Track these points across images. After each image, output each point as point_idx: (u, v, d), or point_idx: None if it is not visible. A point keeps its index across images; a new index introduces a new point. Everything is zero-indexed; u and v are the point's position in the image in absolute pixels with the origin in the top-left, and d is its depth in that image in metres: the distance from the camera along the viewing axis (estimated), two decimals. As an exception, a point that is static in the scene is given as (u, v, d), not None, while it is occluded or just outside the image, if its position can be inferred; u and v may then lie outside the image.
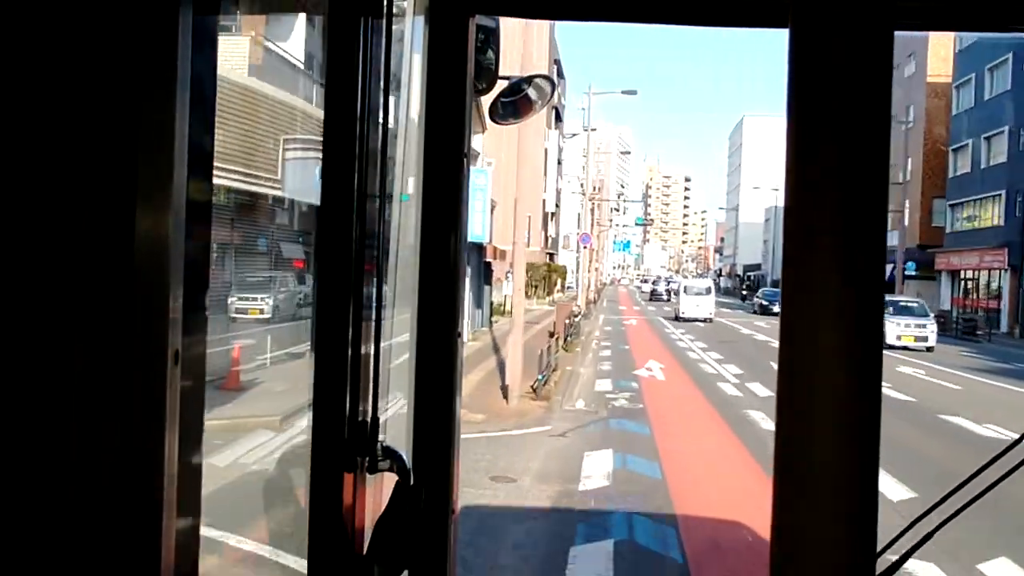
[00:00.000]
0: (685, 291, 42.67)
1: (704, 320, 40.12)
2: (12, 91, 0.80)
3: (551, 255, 70.64)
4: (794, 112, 0.84)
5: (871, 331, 0.82)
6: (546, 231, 66.76)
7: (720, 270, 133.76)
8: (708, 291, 42.40)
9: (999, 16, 1.53)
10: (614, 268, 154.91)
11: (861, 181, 0.81)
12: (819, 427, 0.83)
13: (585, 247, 47.26)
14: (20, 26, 0.80)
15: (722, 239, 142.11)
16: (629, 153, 59.73)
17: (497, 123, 2.49)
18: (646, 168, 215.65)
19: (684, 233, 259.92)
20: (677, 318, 41.45)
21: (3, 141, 0.81)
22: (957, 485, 1.22)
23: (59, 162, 0.81)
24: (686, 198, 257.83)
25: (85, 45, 0.81)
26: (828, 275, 0.82)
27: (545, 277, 58.94)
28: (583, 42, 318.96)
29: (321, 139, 1.38)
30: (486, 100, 2.19)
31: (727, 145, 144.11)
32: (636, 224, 56.97)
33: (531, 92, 2.43)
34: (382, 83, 1.38)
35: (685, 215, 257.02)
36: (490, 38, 1.79)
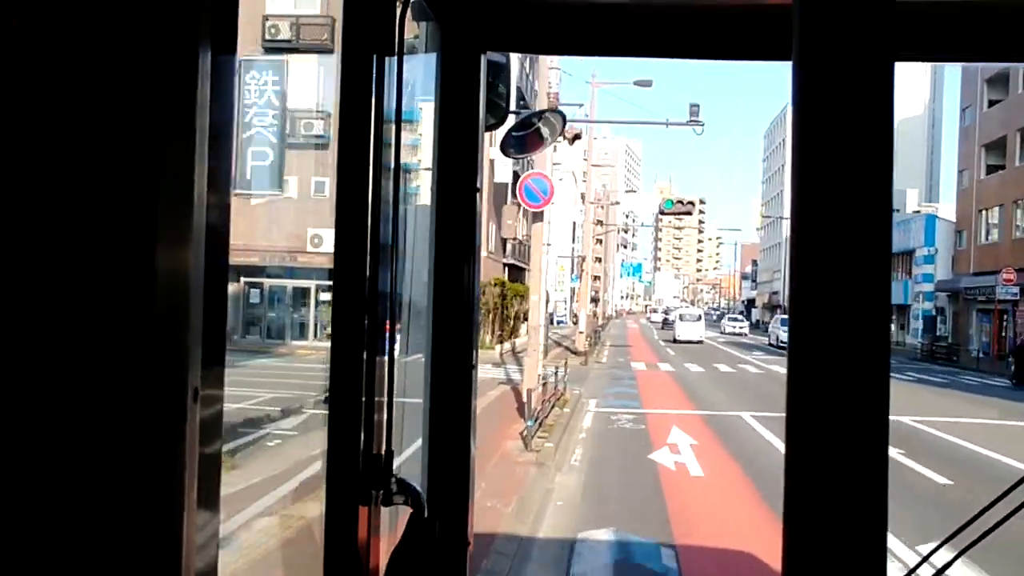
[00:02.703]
0: (681, 319, 54.26)
1: (696, 341, 49.15)
2: (32, 131, 0.82)
3: (515, 269, 44.05)
4: (799, 143, 0.86)
5: (879, 355, 0.85)
6: (500, 226, 40.69)
7: (752, 300, 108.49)
8: (699, 318, 54.45)
9: (996, 48, 1.62)
10: (622, 298, 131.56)
11: (866, 208, 0.85)
12: (829, 455, 0.84)
13: (534, 206, 18.27)
14: (39, 66, 0.81)
15: (753, 262, 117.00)
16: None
17: (508, 156, 1.84)
18: (656, 190, 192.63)
19: (699, 260, 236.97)
20: (675, 341, 50.27)
21: (23, 180, 0.82)
22: (969, 519, 1.26)
23: (79, 200, 0.82)
24: (700, 222, 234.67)
25: (105, 85, 0.82)
26: (835, 303, 0.84)
27: (497, 306, 33.01)
28: (592, 63, 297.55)
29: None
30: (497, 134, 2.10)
31: (761, 146, 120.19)
32: (665, 210, 30.26)
33: (542, 126, 2.44)
34: (395, 119, 1.46)
35: (700, 240, 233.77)
36: (500, 74, 1.86)
